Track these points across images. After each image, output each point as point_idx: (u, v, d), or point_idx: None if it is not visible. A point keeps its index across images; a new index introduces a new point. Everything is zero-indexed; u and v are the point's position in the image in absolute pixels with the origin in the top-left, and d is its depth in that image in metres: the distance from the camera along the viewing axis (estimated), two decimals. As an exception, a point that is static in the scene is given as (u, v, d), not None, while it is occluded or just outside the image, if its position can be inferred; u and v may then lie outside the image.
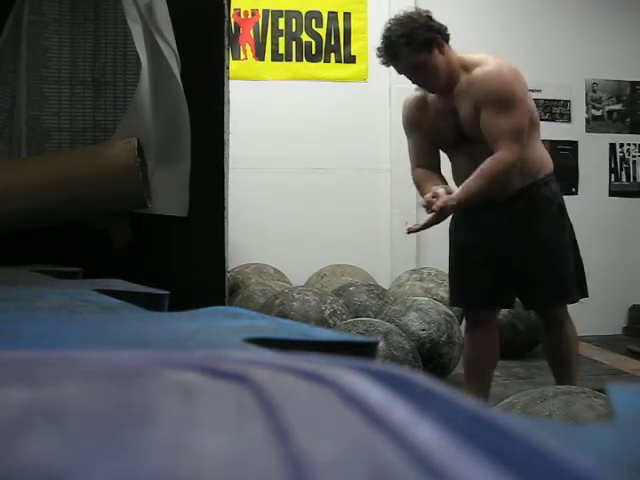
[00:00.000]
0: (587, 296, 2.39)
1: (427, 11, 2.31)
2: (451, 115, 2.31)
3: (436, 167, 2.44)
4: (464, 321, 3.94)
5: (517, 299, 2.50)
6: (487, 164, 2.19)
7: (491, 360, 2.46)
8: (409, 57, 2.22)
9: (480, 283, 2.39)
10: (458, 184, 2.30)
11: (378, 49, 2.30)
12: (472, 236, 2.39)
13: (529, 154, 2.29)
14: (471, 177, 2.21)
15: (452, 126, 2.32)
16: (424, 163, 2.43)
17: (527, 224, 2.32)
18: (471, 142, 2.30)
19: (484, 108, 2.21)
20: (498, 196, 2.27)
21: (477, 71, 2.27)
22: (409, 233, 2.39)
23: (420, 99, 2.42)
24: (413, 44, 2.20)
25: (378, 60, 2.34)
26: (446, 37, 2.28)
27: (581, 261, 2.40)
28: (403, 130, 2.51)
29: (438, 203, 2.15)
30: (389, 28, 2.24)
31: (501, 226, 2.33)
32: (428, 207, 2.19)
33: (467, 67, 2.30)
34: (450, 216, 2.39)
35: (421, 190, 2.36)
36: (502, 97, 2.20)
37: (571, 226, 2.39)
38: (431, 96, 2.37)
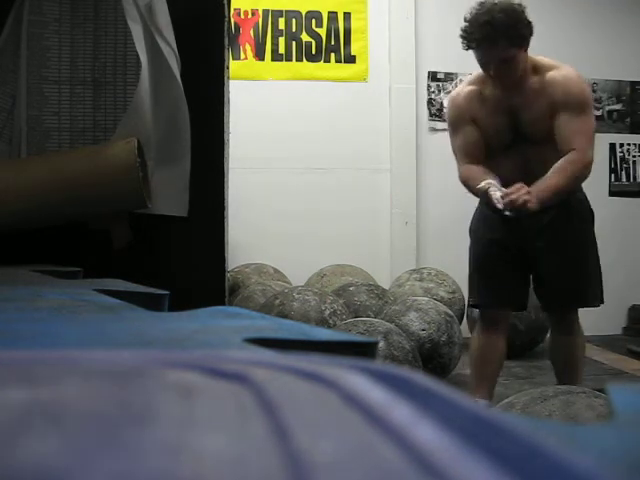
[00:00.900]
0: (603, 302, 2.40)
1: (521, 4, 2.24)
2: (509, 113, 2.27)
3: (483, 165, 2.35)
4: (464, 321, 3.95)
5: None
6: (567, 163, 2.16)
7: (501, 362, 2.46)
8: (504, 49, 2.16)
9: (507, 282, 2.37)
10: (504, 181, 2.22)
11: (468, 31, 2.21)
12: (505, 235, 2.35)
13: None
14: (550, 176, 2.16)
15: (508, 125, 2.28)
16: (474, 159, 2.34)
17: (562, 226, 2.31)
18: (525, 143, 2.27)
19: (563, 110, 2.20)
20: None
21: (554, 74, 2.26)
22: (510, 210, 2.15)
23: (476, 93, 2.35)
24: (513, 37, 2.16)
25: (462, 42, 2.26)
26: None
27: (600, 267, 2.41)
28: (450, 125, 2.43)
29: (525, 197, 2.07)
30: (491, 14, 2.15)
31: (537, 226, 2.29)
32: (508, 202, 2.09)
33: (537, 68, 2.29)
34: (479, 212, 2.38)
35: (472, 184, 2.28)
36: (581, 101, 2.22)
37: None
38: (488, 91, 2.32)
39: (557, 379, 2.42)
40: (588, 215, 2.37)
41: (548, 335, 3.57)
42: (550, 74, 2.27)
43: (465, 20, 2.21)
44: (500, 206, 2.12)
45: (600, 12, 4.70)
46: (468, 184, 2.31)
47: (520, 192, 2.10)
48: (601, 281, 2.41)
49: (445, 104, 2.55)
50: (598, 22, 4.70)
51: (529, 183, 2.15)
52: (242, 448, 0.20)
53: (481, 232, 2.43)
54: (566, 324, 2.39)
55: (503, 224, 2.32)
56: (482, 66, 2.25)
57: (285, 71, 4.47)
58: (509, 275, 2.37)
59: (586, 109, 2.23)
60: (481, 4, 2.21)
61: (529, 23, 2.21)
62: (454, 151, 2.41)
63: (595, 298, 2.37)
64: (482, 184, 2.17)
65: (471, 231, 2.50)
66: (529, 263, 2.38)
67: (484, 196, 2.21)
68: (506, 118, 2.27)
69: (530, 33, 2.21)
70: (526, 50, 2.23)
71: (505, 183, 2.20)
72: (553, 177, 2.16)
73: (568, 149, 2.17)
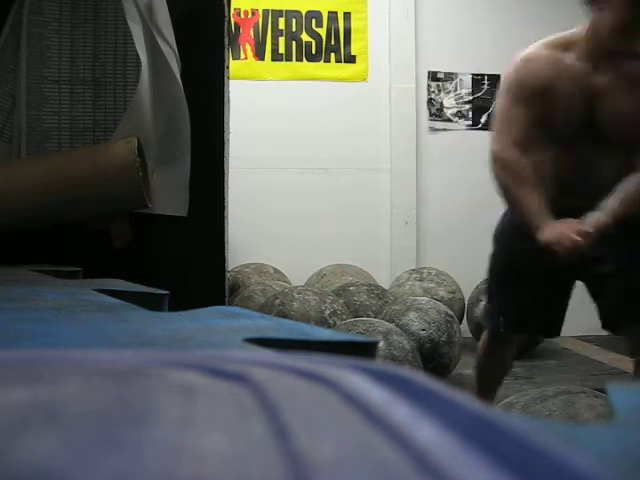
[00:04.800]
0: None
1: None
2: (588, 96, 1.79)
3: (524, 154, 1.85)
4: (464, 321, 3.95)
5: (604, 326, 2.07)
6: None
7: (507, 371, 2.30)
8: None
9: (536, 309, 2.00)
10: (556, 184, 1.83)
11: None
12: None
13: None
14: (633, 185, 1.75)
15: (582, 110, 1.80)
16: (525, 147, 1.84)
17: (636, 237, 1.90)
18: (597, 140, 1.80)
19: None
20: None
21: None
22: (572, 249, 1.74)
23: (557, 61, 1.83)
24: None
25: None
26: None
27: None
28: (512, 88, 1.87)
29: (587, 228, 1.72)
30: None
31: (607, 239, 1.83)
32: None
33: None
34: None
35: (519, 196, 1.81)
36: None
37: None
38: (569, 60, 1.82)
39: None
40: None
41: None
42: None
43: None
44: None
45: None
46: (509, 186, 1.84)
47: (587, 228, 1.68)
48: None
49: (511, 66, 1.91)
50: None
51: (588, 195, 1.77)
52: (242, 448, 0.20)
53: (510, 242, 2.01)
54: None
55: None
56: (616, 27, 1.74)
57: (285, 71, 4.47)
58: (541, 300, 1.98)
59: None
60: None
61: None
62: (502, 126, 1.88)
63: None
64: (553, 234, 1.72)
65: (496, 239, 2.09)
66: (577, 281, 1.99)
67: (529, 230, 1.76)
68: (585, 103, 1.80)
69: None
70: None
71: (554, 189, 1.83)
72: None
73: None
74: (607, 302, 1.98)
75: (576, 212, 1.79)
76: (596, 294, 2.01)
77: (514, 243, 1.99)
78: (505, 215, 2.06)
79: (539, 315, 2.04)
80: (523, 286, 1.99)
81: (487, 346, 2.20)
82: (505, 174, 1.86)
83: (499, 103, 1.92)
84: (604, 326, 2.06)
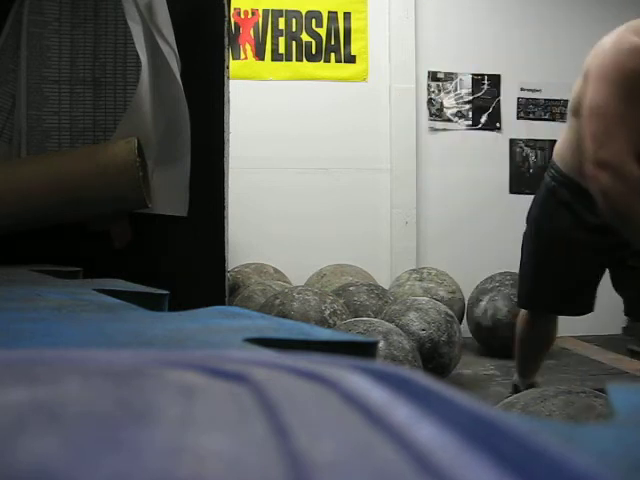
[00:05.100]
0: None
1: None
2: None
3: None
4: (464, 321, 3.95)
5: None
6: None
7: (551, 343, 2.30)
8: None
9: (571, 287, 2.01)
10: None
11: None
12: (591, 234, 1.89)
13: None
14: None
15: None
16: (636, 151, 1.59)
17: None
18: None
19: None
20: None
21: None
22: None
23: None
24: None
25: None
26: None
27: None
28: (625, 80, 1.60)
29: None
30: None
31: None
32: None
33: None
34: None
35: (635, 211, 1.55)
36: None
37: None
38: None
39: None
40: None
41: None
42: None
43: None
44: None
45: (601, 11, 4.69)
46: (629, 207, 1.55)
47: None
48: None
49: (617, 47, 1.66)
50: (599, 21, 4.69)
51: None
52: (242, 448, 0.20)
53: (549, 224, 1.96)
54: None
55: (584, 220, 1.85)
56: None
57: (285, 71, 4.47)
58: (580, 277, 1.99)
59: None
60: None
61: None
62: (611, 127, 1.57)
63: None
64: None
65: (534, 220, 2.05)
66: (609, 262, 1.97)
67: None
68: None
69: None
70: None
71: None
72: None
73: None
74: (631, 294, 1.98)
75: None
76: (622, 285, 2.00)
77: (554, 223, 1.91)
78: (539, 195, 1.99)
79: (571, 296, 2.03)
80: (560, 264, 1.96)
81: (526, 322, 2.20)
82: (622, 186, 1.56)
83: (597, 99, 1.62)
84: (627, 314, 2.11)
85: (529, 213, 2.11)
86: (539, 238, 2.04)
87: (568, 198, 1.90)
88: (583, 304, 2.13)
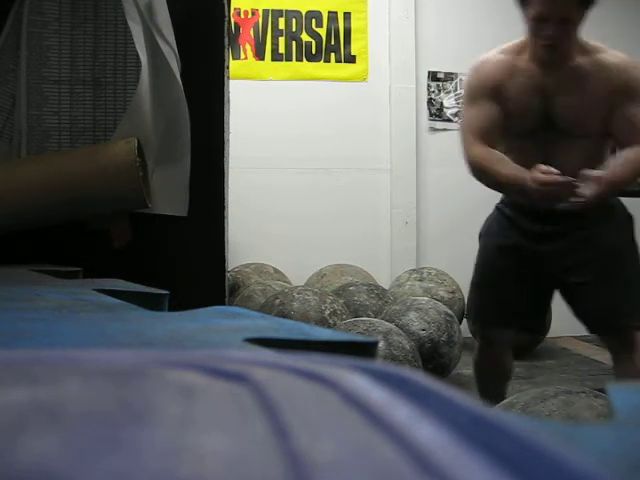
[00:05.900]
0: None
1: None
2: (543, 94, 1.94)
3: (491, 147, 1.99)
4: (464, 321, 3.95)
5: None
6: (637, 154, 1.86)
7: (506, 377, 2.29)
8: (570, 5, 1.84)
9: (514, 299, 2.08)
10: None
11: None
12: (524, 243, 2.05)
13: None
14: (618, 164, 1.88)
15: (538, 108, 1.94)
16: (489, 140, 1.97)
17: (601, 233, 2.01)
18: (553, 134, 1.94)
19: (627, 99, 1.90)
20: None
21: (607, 57, 1.94)
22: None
23: (508, 64, 2.00)
24: None
25: None
26: None
27: None
28: (468, 95, 2.06)
29: (605, 180, 1.81)
30: None
31: (570, 234, 2.00)
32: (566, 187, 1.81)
33: (585, 49, 1.95)
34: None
35: (497, 170, 1.92)
36: None
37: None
38: (523, 64, 1.98)
39: None
40: (626, 219, 2.07)
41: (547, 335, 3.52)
42: (602, 56, 1.94)
43: None
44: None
45: (601, 10, 4.68)
46: (486, 169, 1.95)
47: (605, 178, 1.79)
48: None
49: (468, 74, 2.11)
50: (599, 21, 4.68)
51: None
52: (242, 448, 0.20)
53: (493, 238, 2.13)
54: (625, 349, 1.98)
55: (525, 232, 2.05)
56: (534, 25, 1.89)
57: (285, 71, 4.47)
58: (519, 291, 2.07)
59: None
60: None
61: None
62: (464, 128, 2.04)
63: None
64: (554, 177, 1.81)
65: (481, 236, 2.22)
66: (554, 280, 2.08)
67: (518, 188, 1.89)
68: (538, 100, 1.94)
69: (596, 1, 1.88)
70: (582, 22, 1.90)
71: None
72: (620, 167, 1.86)
73: (635, 143, 1.88)
74: (587, 309, 2.08)
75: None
76: (577, 305, 2.11)
77: (497, 236, 2.13)
78: (491, 215, 2.20)
79: (517, 313, 2.13)
80: (495, 275, 2.13)
81: (480, 356, 2.27)
82: (477, 161, 1.97)
83: (462, 110, 2.12)
84: (592, 331, 2.19)
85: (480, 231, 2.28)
86: (486, 250, 2.19)
87: (510, 214, 2.10)
88: (527, 320, 2.19)
